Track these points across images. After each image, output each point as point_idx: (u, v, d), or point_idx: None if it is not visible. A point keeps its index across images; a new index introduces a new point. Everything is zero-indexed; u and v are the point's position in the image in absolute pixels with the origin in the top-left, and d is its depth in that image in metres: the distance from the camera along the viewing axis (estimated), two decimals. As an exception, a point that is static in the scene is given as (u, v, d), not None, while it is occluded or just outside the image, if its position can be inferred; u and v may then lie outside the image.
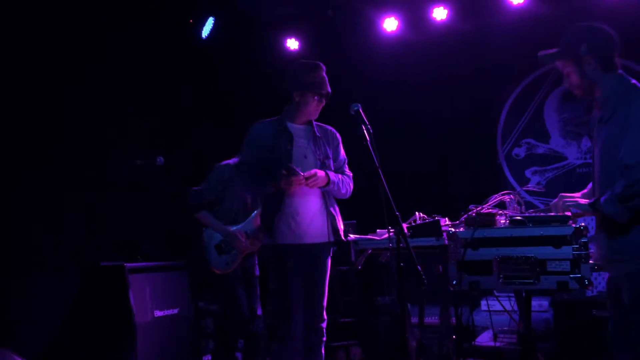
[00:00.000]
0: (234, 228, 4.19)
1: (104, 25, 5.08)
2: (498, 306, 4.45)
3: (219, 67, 6.27)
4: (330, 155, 3.54)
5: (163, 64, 5.59)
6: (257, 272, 4.39)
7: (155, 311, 4.61)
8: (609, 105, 2.63)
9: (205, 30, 5.72)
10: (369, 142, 3.02)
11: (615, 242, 2.59)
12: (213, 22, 5.71)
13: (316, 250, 3.42)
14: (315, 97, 3.43)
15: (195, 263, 4.45)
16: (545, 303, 5.01)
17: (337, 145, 3.63)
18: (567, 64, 2.72)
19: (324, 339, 3.48)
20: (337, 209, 3.54)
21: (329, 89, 3.47)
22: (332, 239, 3.47)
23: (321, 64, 3.50)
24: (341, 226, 3.52)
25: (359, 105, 3.17)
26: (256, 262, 4.39)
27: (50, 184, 4.70)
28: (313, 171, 3.33)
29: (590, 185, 2.92)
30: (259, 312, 4.34)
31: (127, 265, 4.45)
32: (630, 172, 2.46)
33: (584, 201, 2.75)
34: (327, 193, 3.48)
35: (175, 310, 4.79)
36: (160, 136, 5.35)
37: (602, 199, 2.56)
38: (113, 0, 5.05)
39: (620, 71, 2.69)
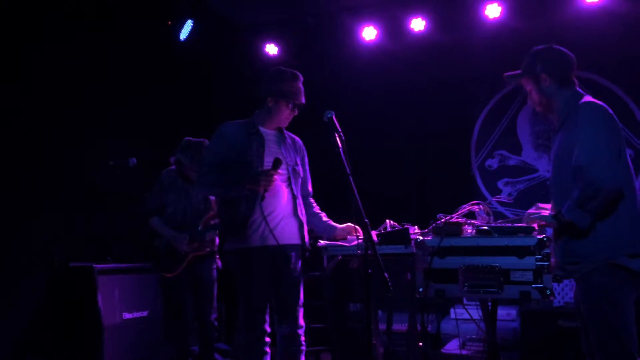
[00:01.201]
0: (180, 233, 4.22)
1: (79, 26, 5.05)
2: (468, 315, 4.51)
3: (197, 69, 6.26)
4: (299, 163, 3.56)
5: (140, 65, 5.57)
6: (214, 277, 4.37)
7: (124, 313, 4.58)
8: (562, 114, 2.81)
9: (184, 33, 5.72)
10: (340, 150, 3.05)
11: (574, 246, 2.66)
12: (192, 24, 5.70)
13: (286, 252, 3.40)
14: (289, 105, 3.44)
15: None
16: (513, 312, 5.09)
17: (304, 157, 3.65)
18: (528, 82, 2.92)
19: (303, 348, 3.42)
20: (304, 216, 3.53)
21: (303, 100, 3.48)
22: (301, 242, 3.46)
23: (299, 74, 3.50)
24: (305, 233, 3.52)
25: (332, 112, 3.19)
26: (213, 267, 4.38)
27: (20, 185, 4.65)
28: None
29: None
30: (213, 318, 4.33)
31: (96, 266, 4.42)
32: (583, 174, 2.56)
33: (546, 213, 2.82)
34: (297, 198, 3.47)
35: (145, 313, 4.76)
36: (135, 137, 5.32)
37: (563, 209, 2.64)
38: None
39: (577, 88, 2.84)
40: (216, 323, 4.39)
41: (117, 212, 4.89)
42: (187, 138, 4.32)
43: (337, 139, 3.09)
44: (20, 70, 4.71)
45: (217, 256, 4.44)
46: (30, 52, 4.76)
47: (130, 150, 4.86)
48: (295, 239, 3.44)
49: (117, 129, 5.28)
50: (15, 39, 4.67)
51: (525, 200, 5.34)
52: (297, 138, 3.66)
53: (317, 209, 3.68)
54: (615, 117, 2.69)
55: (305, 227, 3.51)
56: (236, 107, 5.67)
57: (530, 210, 2.98)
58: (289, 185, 3.45)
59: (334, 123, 3.15)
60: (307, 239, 3.52)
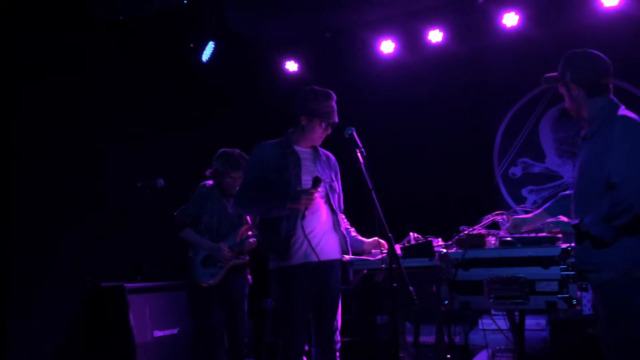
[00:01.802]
0: (219, 243, 4.27)
1: (106, 49, 5.20)
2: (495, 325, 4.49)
3: (220, 89, 6.38)
4: (334, 179, 3.60)
5: (165, 87, 5.71)
6: (246, 292, 4.38)
7: (155, 331, 4.65)
8: (595, 124, 2.76)
9: (206, 54, 5.84)
10: (362, 165, 3.09)
11: (592, 254, 2.64)
12: (213, 46, 5.83)
13: (327, 268, 3.40)
14: (323, 124, 3.46)
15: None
16: (542, 321, 5.04)
17: (337, 172, 3.67)
18: (561, 87, 2.90)
19: None
20: (344, 231, 3.54)
21: (336, 119, 3.50)
22: (343, 257, 3.46)
23: (332, 94, 3.53)
24: (346, 247, 3.51)
25: (353, 128, 3.24)
26: (245, 283, 4.40)
27: (51, 206, 4.79)
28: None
29: (550, 202, 3.04)
30: (244, 334, 4.33)
31: (127, 285, 4.51)
32: (616, 191, 2.54)
33: (565, 219, 2.81)
34: (336, 213, 3.49)
35: (175, 330, 4.83)
36: (162, 159, 5.44)
37: (586, 220, 2.63)
38: (112, 23, 5.18)
39: (611, 95, 2.80)
40: (246, 340, 4.41)
41: (146, 232, 4.99)
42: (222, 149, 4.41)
43: (359, 154, 3.14)
44: (46, 94, 4.87)
45: (248, 271, 4.48)
46: (60, 73, 4.92)
47: (157, 170, 4.97)
48: (336, 254, 3.46)
49: (145, 150, 5.40)
50: (44, 60, 4.81)
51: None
52: (330, 154, 3.69)
53: (346, 224, 3.69)
54: None
55: (346, 241, 3.50)
56: (260, 125, 5.79)
57: (549, 220, 2.98)
58: (327, 201, 3.48)
59: (355, 139, 3.20)
60: (349, 252, 3.50)
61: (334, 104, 3.52)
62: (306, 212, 3.31)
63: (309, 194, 3.27)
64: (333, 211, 3.48)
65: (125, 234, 5.05)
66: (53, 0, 4.87)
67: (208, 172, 4.39)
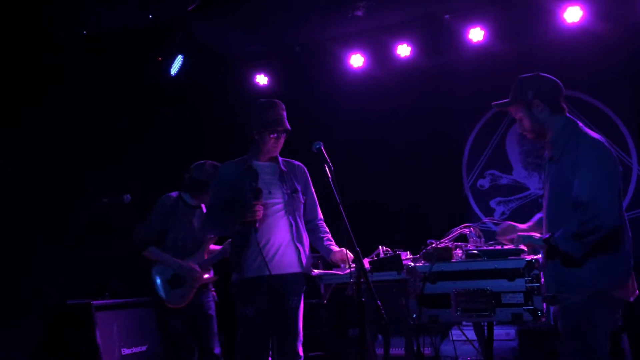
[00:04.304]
0: (187, 261, 4.18)
1: (67, 64, 5.14)
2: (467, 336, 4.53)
3: (189, 103, 6.35)
4: (299, 189, 3.58)
5: (132, 102, 5.65)
6: (212, 309, 4.32)
7: (122, 349, 4.58)
8: (559, 145, 2.83)
9: (174, 68, 5.81)
10: (330, 179, 3.11)
11: (565, 274, 2.70)
12: (182, 59, 5.80)
13: (283, 281, 3.42)
14: (273, 135, 3.49)
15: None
16: (512, 331, 5.09)
17: (307, 181, 3.67)
18: (518, 110, 2.93)
19: None
20: (305, 242, 3.55)
21: (287, 126, 3.52)
22: (301, 270, 3.47)
23: (278, 102, 3.56)
24: (305, 260, 3.52)
25: (321, 143, 3.26)
26: (210, 298, 4.34)
27: (13, 223, 4.69)
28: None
29: (535, 217, 3.07)
30: (217, 350, 4.25)
31: (94, 302, 4.44)
32: (584, 210, 2.61)
33: (537, 235, 2.86)
34: (296, 225, 3.50)
35: (144, 348, 4.76)
36: (128, 174, 5.38)
37: (556, 235, 2.69)
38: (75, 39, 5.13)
39: (567, 114, 2.89)
40: (218, 350, 4.30)
41: (113, 248, 4.91)
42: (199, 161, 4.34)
43: (327, 169, 3.16)
44: (5, 112, 4.78)
45: (212, 288, 4.42)
46: (30, 93, 4.84)
47: (124, 187, 4.90)
48: (294, 268, 3.46)
49: (110, 167, 5.34)
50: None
51: (519, 218, 5.38)
52: (298, 164, 3.70)
53: (322, 233, 3.67)
54: (613, 155, 2.72)
55: (305, 254, 3.50)
56: (229, 140, 5.77)
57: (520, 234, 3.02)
58: (286, 213, 3.49)
59: (323, 153, 3.22)
60: (306, 265, 3.49)
61: (280, 111, 3.54)
62: (262, 225, 3.36)
63: (250, 207, 3.30)
64: (291, 223, 3.48)
65: (91, 251, 4.96)
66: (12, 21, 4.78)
67: (187, 179, 4.27)
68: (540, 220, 3.07)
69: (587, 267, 2.65)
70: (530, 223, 3.10)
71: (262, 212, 3.33)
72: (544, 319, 2.88)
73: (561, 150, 2.80)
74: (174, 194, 4.31)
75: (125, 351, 4.60)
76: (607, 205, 2.60)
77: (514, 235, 3.08)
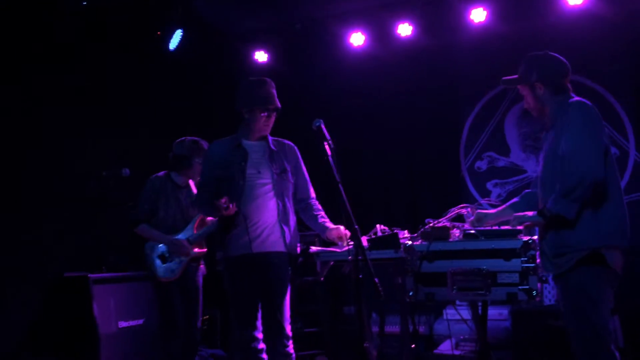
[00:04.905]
0: (176, 237, 4.25)
1: (65, 37, 5.08)
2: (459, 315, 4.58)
3: (188, 78, 6.31)
4: (289, 169, 3.58)
5: (131, 76, 5.61)
6: (200, 283, 4.39)
7: (119, 322, 4.61)
8: (554, 117, 2.92)
9: (173, 43, 5.76)
10: (330, 157, 3.11)
11: (563, 236, 2.74)
12: (181, 34, 5.75)
13: (267, 260, 3.45)
14: (264, 113, 3.48)
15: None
16: (505, 312, 5.15)
17: (297, 160, 3.67)
18: (524, 88, 3.03)
19: (292, 358, 3.44)
20: (291, 223, 3.55)
21: (277, 104, 3.50)
22: (285, 250, 3.48)
23: (268, 80, 3.55)
24: (289, 239, 3.51)
25: (321, 120, 3.24)
26: (199, 273, 4.42)
27: (13, 196, 4.68)
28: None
29: (515, 199, 3.18)
30: (199, 323, 4.35)
31: (91, 276, 4.45)
32: (568, 164, 2.68)
33: (531, 213, 2.89)
34: (284, 206, 3.50)
35: (141, 321, 4.79)
36: (127, 148, 5.36)
37: (548, 204, 2.72)
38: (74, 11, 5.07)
39: (572, 94, 2.94)
40: (199, 326, 4.38)
41: (111, 222, 4.92)
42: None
43: (327, 147, 3.15)
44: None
45: (202, 262, 4.48)
46: (29, 63, 4.80)
47: (123, 160, 4.90)
48: (279, 247, 3.48)
49: (110, 140, 5.32)
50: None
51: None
52: (288, 143, 3.69)
53: (315, 211, 3.68)
54: (601, 117, 2.80)
55: (290, 234, 3.51)
56: (227, 116, 5.75)
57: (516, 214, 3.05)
58: (275, 194, 3.49)
59: (323, 131, 3.21)
60: (290, 244, 3.51)
61: (270, 89, 3.52)
62: (252, 205, 3.41)
63: (219, 204, 3.28)
64: (278, 203, 3.48)
65: (90, 225, 4.96)
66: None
67: (170, 157, 4.33)
68: (512, 205, 3.15)
69: (581, 226, 2.70)
70: (500, 208, 3.20)
71: (233, 209, 3.33)
72: (538, 299, 2.92)
73: (554, 120, 2.90)
74: (162, 173, 4.39)
75: (122, 324, 4.63)
76: (589, 159, 2.65)
77: (495, 221, 3.18)
